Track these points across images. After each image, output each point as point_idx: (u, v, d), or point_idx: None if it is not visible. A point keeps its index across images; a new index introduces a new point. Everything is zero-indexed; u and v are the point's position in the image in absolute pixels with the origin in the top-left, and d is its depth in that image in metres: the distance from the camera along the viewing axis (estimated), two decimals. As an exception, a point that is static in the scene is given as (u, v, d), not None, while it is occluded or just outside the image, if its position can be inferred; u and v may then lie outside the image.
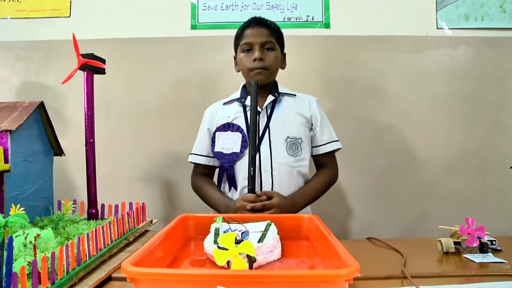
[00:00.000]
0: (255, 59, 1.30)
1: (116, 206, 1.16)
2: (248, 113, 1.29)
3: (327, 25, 1.90)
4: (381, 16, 1.89)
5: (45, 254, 0.63)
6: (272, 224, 0.90)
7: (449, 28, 1.88)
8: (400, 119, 1.87)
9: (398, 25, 1.88)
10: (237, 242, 0.73)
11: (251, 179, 1.18)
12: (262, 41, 1.31)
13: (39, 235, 0.74)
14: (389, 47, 1.88)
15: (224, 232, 0.85)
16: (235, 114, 1.36)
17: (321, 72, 1.88)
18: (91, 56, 1.09)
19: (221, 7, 1.92)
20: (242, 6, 1.92)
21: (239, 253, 0.70)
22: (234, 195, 1.32)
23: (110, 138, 1.86)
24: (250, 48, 1.33)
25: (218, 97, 1.50)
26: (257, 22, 1.35)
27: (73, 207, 1.10)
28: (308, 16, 1.91)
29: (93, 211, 1.10)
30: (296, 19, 1.91)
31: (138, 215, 1.11)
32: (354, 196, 1.88)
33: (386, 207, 1.86)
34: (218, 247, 0.73)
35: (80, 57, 1.07)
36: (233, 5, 1.92)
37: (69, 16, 1.94)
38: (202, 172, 1.43)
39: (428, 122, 1.87)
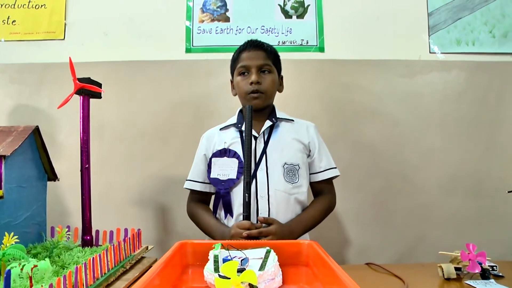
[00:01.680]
0: (251, 83, 1.30)
1: (111, 233, 1.14)
2: (245, 138, 1.29)
3: (321, 49, 1.93)
4: (375, 41, 1.93)
5: (42, 286, 0.62)
6: (272, 250, 0.89)
7: (442, 53, 1.93)
8: (395, 142, 1.89)
9: (392, 49, 1.92)
10: (239, 270, 0.72)
11: (246, 205, 1.15)
12: (259, 64, 1.31)
13: (36, 266, 0.72)
14: (384, 71, 1.91)
15: (224, 259, 0.84)
16: (232, 139, 1.35)
17: (315, 95, 1.90)
18: (88, 80, 1.09)
19: (216, 30, 1.95)
20: (236, 30, 1.95)
21: (241, 282, 0.69)
22: (230, 222, 1.30)
23: (103, 161, 1.84)
24: (246, 71, 1.33)
25: (214, 121, 1.50)
26: (253, 45, 1.35)
27: (67, 234, 1.09)
28: (303, 40, 1.94)
29: (88, 237, 1.09)
30: (291, 42, 1.94)
31: (134, 241, 1.09)
32: (350, 219, 1.87)
33: (382, 231, 1.85)
34: (220, 276, 0.72)
35: (77, 82, 1.07)
36: (227, 28, 1.95)
37: (64, 39, 1.96)
38: (197, 198, 1.41)
39: (422, 145, 1.88)
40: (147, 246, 1.18)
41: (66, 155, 1.78)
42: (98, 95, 1.13)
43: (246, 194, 1.15)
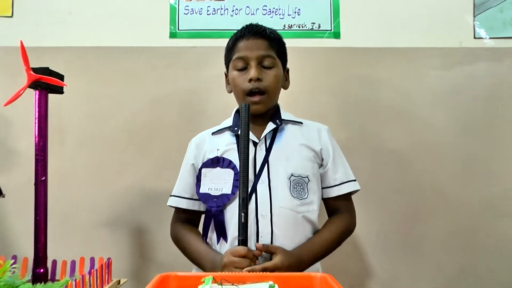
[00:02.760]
0: (250, 79, 1.29)
1: (73, 263, 1.11)
2: (243, 145, 1.28)
3: (336, 35, 1.92)
4: (404, 24, 1.91)
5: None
6: (276, 286, 0.86)
7: (490, 38, 1.90)
8: (427, 150, 1.86)
9: (425, 34, 1.90)
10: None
11: (243, 227, 1.13)
12: (260, 56, 1.30)
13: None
14: (414, 62, 1.89)
15: (216, 298, 0.81)
16: (226, 146, 1.34)
17: (329, 91, 1.89)
18: (46, 70, 1.07)
19: (207, 11, 1.93)
20: (233, 10, 1.93)
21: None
22: (223, 247, 1.28)
23: (65, 173, 1.82)
24: (244, 65, 1.32)
25: (204, 123, 1.51)
26: (253, 31, 1.34)
27: (13, 267, 1.05)
28: (314, 23, 1.93)
29: (41, 270, 1.05)
30: (299, 26, 1.93)
31: (103, 274, 1.06)
32: (372, 245, 1.85)
33: (413, 260, 1.83)
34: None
35: (31, 72, 1.04)
36: (221, 8, 1.93)
37: (11, 16, 1.92)
38: (184, 218, 1.40)
39: (463, 153, 1.86)
40: (119, 280, 1.16)
41: (16, 165, 1.76)
42: (58, 90, 1.11)
43: (242, 213, 1.14)
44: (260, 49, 1.31)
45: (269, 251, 1.17)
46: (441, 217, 1.84)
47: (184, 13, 1.92)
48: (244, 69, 1.32)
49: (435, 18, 1.90)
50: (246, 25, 1.37)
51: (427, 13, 1.91)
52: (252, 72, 1.28)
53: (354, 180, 1.37)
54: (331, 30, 1.92)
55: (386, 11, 1.92)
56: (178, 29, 1.92)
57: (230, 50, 1.38)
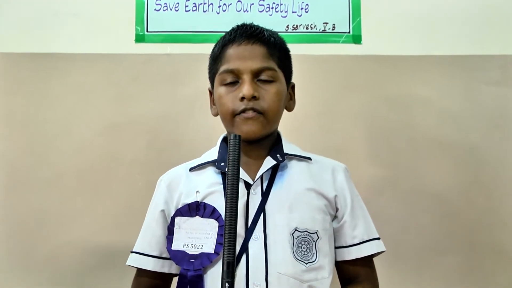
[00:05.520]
0: (243, 97, 1.25)
1: None
2: (230, 186, 1.25)
3: (357, 39, 1.93)
4: (448, 24, 1.92)
5: None
6: None
7: None
8: (484, 194, 1.85)
9: (475, 38, 1.90)
10: None
11: None
12: (255, 68, 1.27)
13: None
14: (463, 75, 1.89)
15: None
16: (209, 187, 1.30)
17: (348, 116, 1.89)
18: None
19: (186, 6, 1.95)
20: (219, 6, 1.95)
21: None
22: (201, 328, 1.25)
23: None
24: (235, 79, 1.29)
25: (179, 156, 1.49)
26: (246, 34, 1.32)
27: None
28: (327, 23, 1.94)
29: None
30: (307, 28, 1.95)
31: None
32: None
33: None
34: None
35: None
36: (205, 3, 1.95)
37: None
38: (149, 284, 1.35)
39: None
40: None
41: None
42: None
43: (227, 284, 1.08)
44: (256, 58, 1.29)
45: None
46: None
47: (155, 10, 1.93)
48: (235, 84, 1.30)
49: (491, 17, 1.91)
50: (237, 26, 1.35)
51: (480, 10, 1.91)
52: (245, 89, 1.25)
53: (378, 239, 1.34)
54: (349, 32, 1.94)
55: (423, 7, 1.93)
56: (147, 31, 1.93)
57: (216, 59, 1.36)
